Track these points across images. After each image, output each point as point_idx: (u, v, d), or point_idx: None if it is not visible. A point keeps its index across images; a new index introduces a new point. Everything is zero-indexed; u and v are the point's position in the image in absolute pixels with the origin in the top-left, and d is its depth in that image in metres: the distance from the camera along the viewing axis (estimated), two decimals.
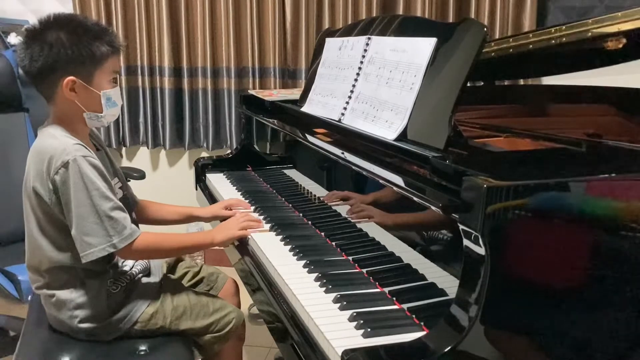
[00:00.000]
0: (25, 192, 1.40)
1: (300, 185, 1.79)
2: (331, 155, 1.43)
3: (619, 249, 0.98)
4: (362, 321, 1.04)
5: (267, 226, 1.56)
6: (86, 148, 1.36)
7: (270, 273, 1.34)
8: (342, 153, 1.38)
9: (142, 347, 1.43)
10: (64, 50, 1.32)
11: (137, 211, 1.67)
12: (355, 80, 1.52)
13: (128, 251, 1.37)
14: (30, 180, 1.37)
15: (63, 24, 1.35)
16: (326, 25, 2.77)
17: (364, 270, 1.27)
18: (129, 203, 1.57)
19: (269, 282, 1.32)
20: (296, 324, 1.13)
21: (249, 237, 1.51)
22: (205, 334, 1.51)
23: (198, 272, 1.74)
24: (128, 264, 1.50)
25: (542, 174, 0.96)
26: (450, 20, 2.63)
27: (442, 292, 1.06)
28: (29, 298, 1.66)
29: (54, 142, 1.35)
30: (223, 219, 1.67)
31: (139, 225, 1.58)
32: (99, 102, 1.39)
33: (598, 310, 0.98)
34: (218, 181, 2.08)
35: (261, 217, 1.63)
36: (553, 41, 1.56)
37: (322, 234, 1.49)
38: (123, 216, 1.35)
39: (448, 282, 1.04)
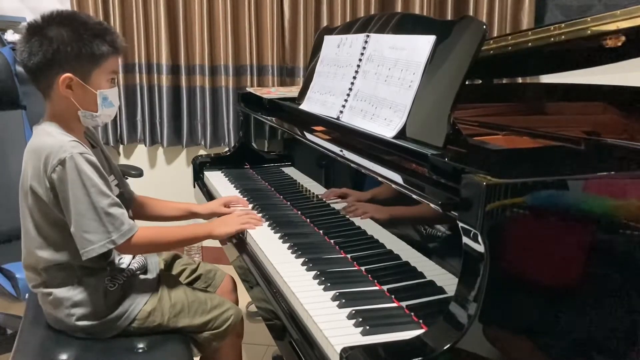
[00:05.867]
0: (22, 191, 1.39)
1: (299, 183, 1.79)
2: (329, 153, 1.42)
3: (617, 247, 0.98)
4: (360, 319, 1.04)
5: (266, 224, 1.56)
6: (82, 145, 1.36)
7: (269, 271, 1.33)
8: (341, 151, 1.38)
9: (140, 345, 1.43)
10: (64, 47, 1.32)
11: (135, 208, 1.67)
12: (354, 78, 1.52)
13: (127, 246, 1.37)
14: (27, 179, 1.36)
15: (65, 21, 1.35)
16: (324, 23, 2.77)
17: (363, 268, 1.27)
18: (126, 200, 1.57)
19: (267, 279, 1.32)
20: (294, 322, 1.13)
21: (247, 234, 1.51)
22: (203, 331, 1.51)
23: (195, 270, 1.73)
24: (125, 262, 1.50)
25: (541, 171, 0.96)
26: (449, 18, 2.62)
27: (441, 290, 1.06)
28: (27, 296, 1.65)
29: (50, 139, 1.34)
30: (221, 216, 1.67)
31: (136, 221, 1.58)
32: (95, 101, 1.38)
33: (596, 308, 0.98)
34: (216, 179, 2.07)
35: (259, 214, 1.63)
36: (552, 39, 1.56)
37: (321, 231, 1.49)
38: (121, 212, 1.35)
39: (447, 280, 1.04)
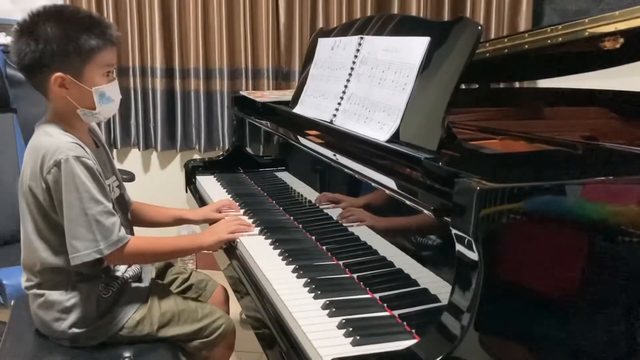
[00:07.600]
0: (21, 191, 1.37)
1: (292, 187, 1.77)
2: (323, 158, 1.40)
3: (614, 253, 0.96)
4: (351, 328, 1.01)
5: (257, 229, 1.53)
6: (82, 147, 1.33)
7: (258, 278, 1.31)
8: (334, 155, 1.35)
9: (128, 353, 1.39)
10: (49, 45, 1.27)
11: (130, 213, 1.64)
12: (348, 80, 1.49)
13: (116, 256, 1.35)
14: (26, 179, 1.34)
15: (50, 16, 1.30)
16: (320, 25, 2.75)
17: (355, 276, 1.24)
18: (125, 202, 1.55)
19: (256, 287, 1.29)
20: (283, 331, 1.10)
21: (238, 241, 1.48)
22: (193, 339, 1.48)
23: (187, 279, 1.70)
24: (120, 269, 1.47)
25: (536, 176, 0.94)
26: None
27: (435, 299, 1.03)
28: (12, 303, 1.62)
29: (49, 139, 1.32)
30: (213, 222, 1.64)
31: (133, 227, 1.55)
32: (92, 98, 1.34)
33: (593, 316, 0.96)
34: (208, 183, 2.05)
35: (251, 220, 1.60)
36: (549, 41, 1.54)
37: (313, 237, 1.46)
38: (112, 221, 1.32)
39: (441, 288, 1.01)
